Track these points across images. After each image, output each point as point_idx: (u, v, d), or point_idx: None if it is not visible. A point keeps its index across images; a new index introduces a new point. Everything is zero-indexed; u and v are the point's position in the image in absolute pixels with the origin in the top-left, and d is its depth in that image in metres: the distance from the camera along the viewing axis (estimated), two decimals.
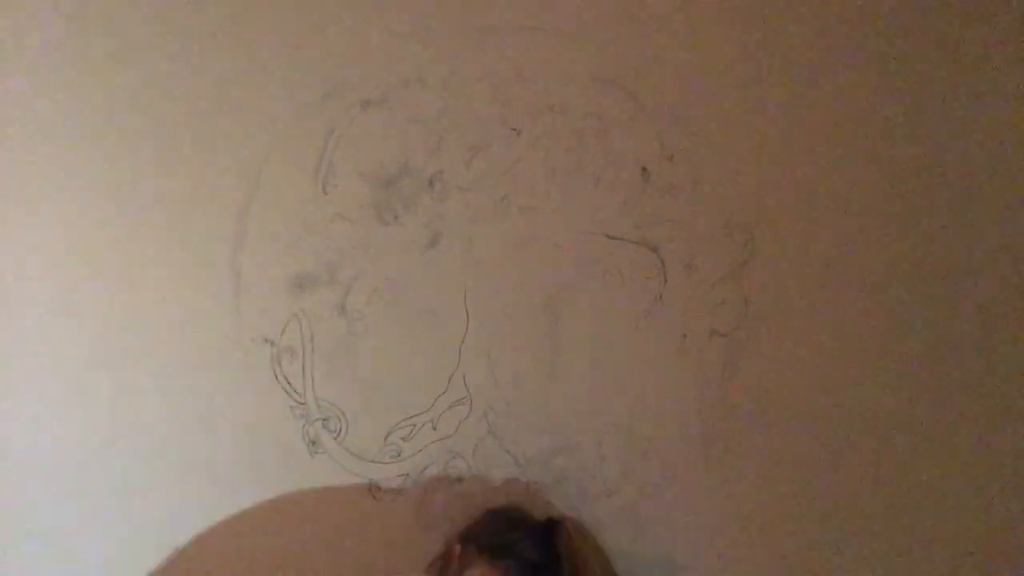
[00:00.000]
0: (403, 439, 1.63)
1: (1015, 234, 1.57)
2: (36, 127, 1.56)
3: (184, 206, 1.57)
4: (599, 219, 1.62)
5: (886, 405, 1.59)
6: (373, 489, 1.64)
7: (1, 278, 1.56)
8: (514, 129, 1.62)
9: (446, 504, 1.64)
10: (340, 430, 1.64)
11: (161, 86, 1.56)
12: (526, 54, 1.61)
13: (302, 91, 1.59)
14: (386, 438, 1.63)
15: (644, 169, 1.61)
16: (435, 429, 1.63)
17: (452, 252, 1.63)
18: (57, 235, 1.56)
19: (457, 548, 1.45)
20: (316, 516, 1.64)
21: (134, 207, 1.56)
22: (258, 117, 1.57)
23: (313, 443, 1.63)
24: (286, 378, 1.64)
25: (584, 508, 1.62)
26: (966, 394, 1.58)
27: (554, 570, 1.40)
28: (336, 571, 1.64)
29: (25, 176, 1.56)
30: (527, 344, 1.63)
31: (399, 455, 1.63)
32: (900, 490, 1.59)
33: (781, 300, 1.60)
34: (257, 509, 1.65)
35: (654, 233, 1.61)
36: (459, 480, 1.63)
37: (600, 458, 1.63)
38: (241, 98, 1.57)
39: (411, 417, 1.63)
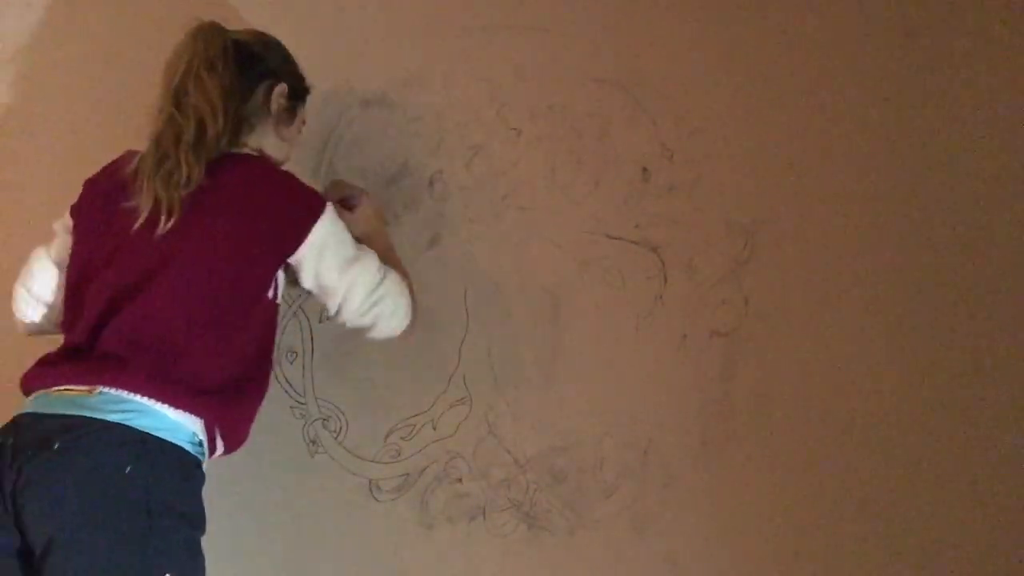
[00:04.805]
0: (403, 439, 1.63)
1: (1015, 235, 1.57)
2: (36, 126, 1.56)
3: None
4: (599, 219, 1.62)
5: (886, 405, 1.59)
6: (373, 489, 1.64)
7: (1, 275, 1.56)
8: (514, 129, 1.62)
9: (446, 504, 1.64)
10: (340, 430, 1.64)
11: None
12: (526, 54, 1.61)
13: None
14: (386, 438, 1.63)
15: (644, 169, 1.61)
16: (435, 429, 1.63)
17: (452, 252, 1.63)
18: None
19: None
20: (316, 516, 1.64)
21: None
22: None
23: (313, 443, 1.63)
24: (286, 378, 1.64)
25: (584, 508, 1.62)
26: (966, 394, 1.58)
27: None
28: (336, 571, 1.64)
29: (24, 175, 1.56)
30: (527, 344, 1.63)
31: (399, 455, 1.63)
32: (900, 490, 1.59)
33: (781, 300, 1.60)
34: (257, 508, 1.65)
35: (654, 233, 1.61)
36: (459, 480, 1.63)
37: (600, 458, 1.62)
38: None
39: (411, 417, 1.63)
